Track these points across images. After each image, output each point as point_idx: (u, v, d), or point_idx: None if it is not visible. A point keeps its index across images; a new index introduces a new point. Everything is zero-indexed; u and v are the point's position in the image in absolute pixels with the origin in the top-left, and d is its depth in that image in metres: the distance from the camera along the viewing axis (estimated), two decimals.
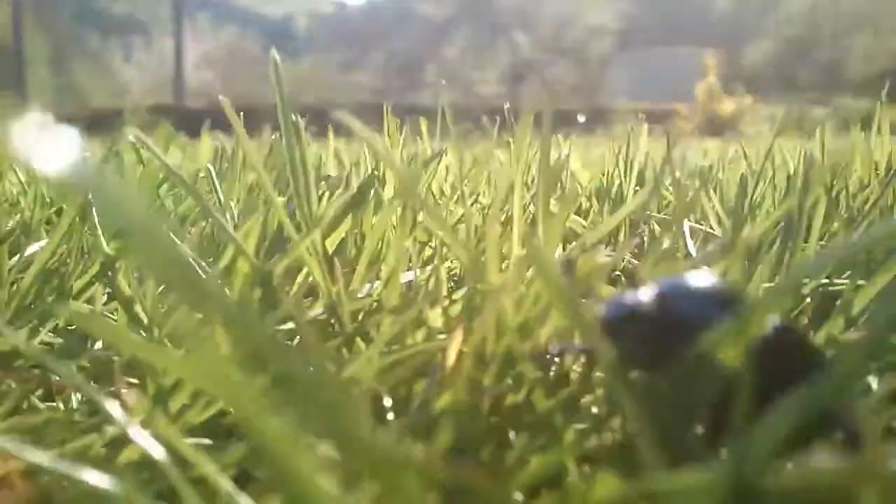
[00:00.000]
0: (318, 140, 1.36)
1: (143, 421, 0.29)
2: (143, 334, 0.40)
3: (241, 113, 0.48)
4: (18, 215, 0.64)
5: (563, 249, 0.53)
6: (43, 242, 0.51)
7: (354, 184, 0.62)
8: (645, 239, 0.57)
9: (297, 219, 0.45)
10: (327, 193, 0.58)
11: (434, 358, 0.33)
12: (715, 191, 0.72)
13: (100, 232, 0.45)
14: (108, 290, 0.48)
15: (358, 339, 0.39)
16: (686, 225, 0.46)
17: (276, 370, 0.17)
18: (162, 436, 0.26)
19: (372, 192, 0.52)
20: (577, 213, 0.77)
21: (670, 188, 0.79)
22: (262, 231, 0.49)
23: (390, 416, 0.32)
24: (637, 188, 0.85)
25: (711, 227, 0.57)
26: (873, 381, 0.33)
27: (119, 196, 0.15)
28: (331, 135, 1.18)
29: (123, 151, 0.81)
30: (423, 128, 1.02)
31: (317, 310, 0.41)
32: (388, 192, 0.62)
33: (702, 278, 0.26)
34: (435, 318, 0.38)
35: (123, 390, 0.33)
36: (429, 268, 0.45)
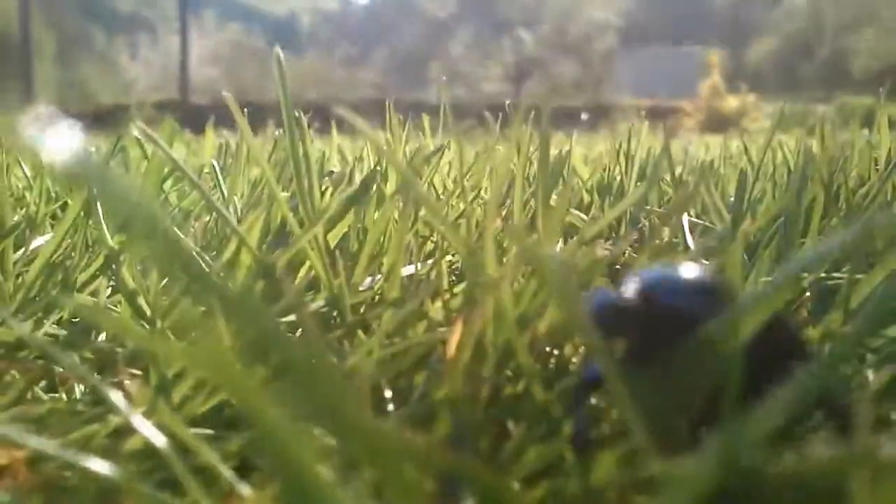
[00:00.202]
0: (321, 136, 1.37)
1: (145, 411, 0.29)
2: (147, 326, 0.41)
3: (245, 109, 0.49)
4: (24, 209, 0.64)
5: (564, 243, 0.53)
6: (48, 236, 0.51)
7: (357, 179, 0.62)
8: (645, 233, 0.57)
9: (300, 213, 0.45)
10: (330, 189, 0.59)
11: (434, 350, 0.33)
12: (716, 186, 0.72)
13: (104, 225, 0.46)
14: (111, 283, 0.48)
15: (359, 332, 0.39)
16: (685, 219, 0.46)
17: (278, 358, 0.17)
18: (164, 425, 0.27)
19: (374, 187, 0.52)
20: (579, 208, 0.77)
21: (671, 183, 0.79)
22: (266, 225, 0.50)
23: (390, 406, 0.32)
24: (638, 183, 0.85)
25: (712, 222, 0.57)
26: (870, 374, 0.33)
27: (123, 187, 0.16)
28: (334, 131, 1.18)
29: (128, 146, 0.82)
30: (426, 124, 1.02)
31: (318, 302, 0.41)
32: (390, 188, 0.63)
33: (689, 269, 0.26)
34: (436, 310, 0.38)
35: (126, 381, 0.33)
36: (430, 262, 0.45)
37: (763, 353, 0.23)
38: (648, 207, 0.68)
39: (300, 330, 0.38)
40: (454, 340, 0.31)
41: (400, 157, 0.65)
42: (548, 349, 0.33)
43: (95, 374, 0.37)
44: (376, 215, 0.50)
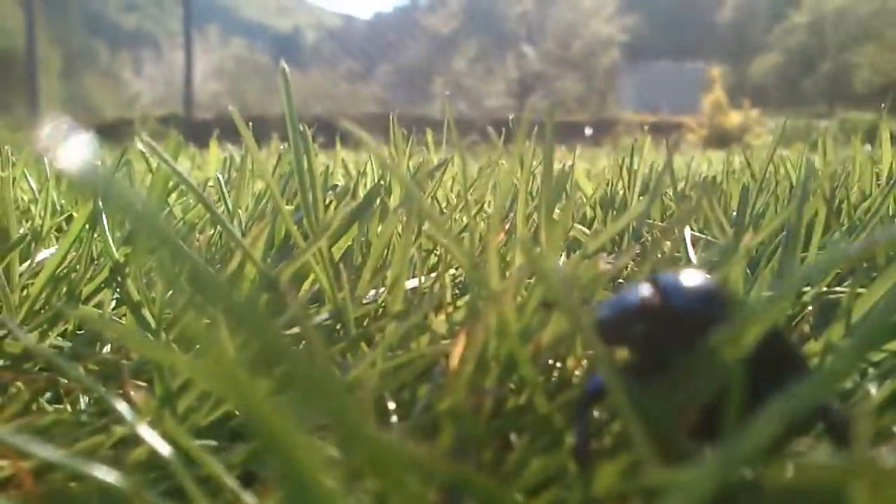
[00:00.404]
0: (325, 151, 1.37)
1: (151, 421, 0.29)
2: (151, 338, 0.41)
3: (249, 123, 0.49)
4: (29, 222, 0.65)
5: (567, 257, 0.54)
6: (53, 249, 0.52)
7: (361, 193, 0.62)
8: (647, 246, 0.57)
9: (305, 226, 0.46)
10: (334, 202, 0.59)
11: (437, 362, 0.33)
12: (718, 201, 0.72)
13: (109, 238, 0.46)
14: (116, 295, 0.48)
15: (363, 344, 0.39)
16: (688, 232, 0.46)
17: (283, 368, 0.18)
18: (169, 435, 0.27)
19: (378, 201, 0.52)
20: (582, 223, 0.78)
21: (674, 198, 0.80)
22: (270, 238, 0.50)
23: (394, 418, 0.32)
24: (641, 198, 0.85)
25: (714, 236, 0.58)
26: (872, 387, 0.33)
27: (133, 199, 0.16)
28: (338, 145, 1.19)
29: (133, 160, 0.82)
30: (430, 138, 1.02)
31: (322, 315, 0.42)
32: (393, 202, 0.63)
33: (694, 277, 0.26)
34: (439, 323, 0.38)
35: (132, 392, 0.34)
36: (433, 275, 0.46)
37: (761, 365, 0.23)
38: (651, 221, 0.68)
39: (304, 342, 0.38)
40: (457, 353, 0.31)
41: (404, 170, 0.66)
42: (550, 362, 0.33)
43: (100, 385, 0.37)
44: (380, 229, 0.50)
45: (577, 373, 0.33)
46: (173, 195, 0.76)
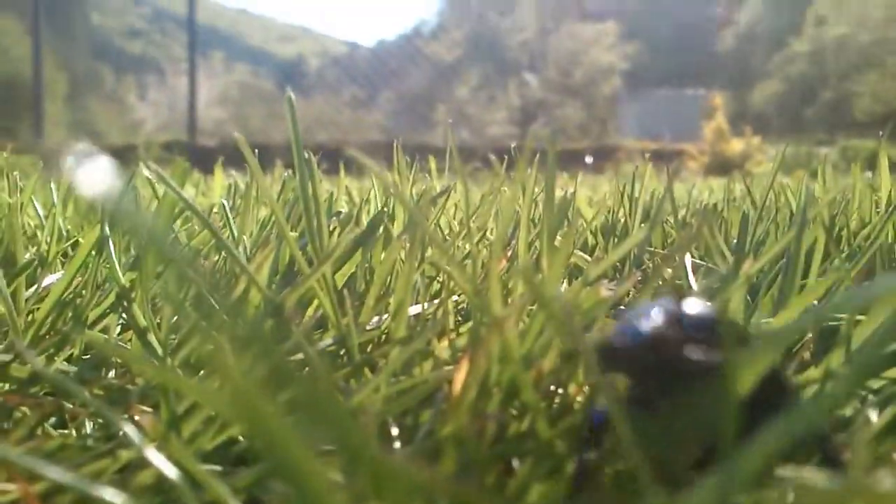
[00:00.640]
0: (329, 178, 1.38)
1: (157, 445, 0.29)
2: (157, 363, 0.41)
3: (256, 150, 0.50)
4: (36, 248, 0.65)
5: (569, 283, 0.54)
6: (59, 274, 0.52)
7: (364, 220, 0.63)
8: (648, 273, 0.57)
9: (309, 253, 0.46)
10: (338, 229, 0.60)
11: (440, 388, 0.34)
12: (719, 228, 0.72)
13: (115, 263, 0.46)
14: (121, 320, 0.49)
15: (366, 370, 0.39)
16: (688, 260, 0.47)
17: (289, 393, 0.18)
18: (175, 459, 0.27)
19: (381, 227, 0.53)
20: (583, 249, 0.78)
21: (675, 225, 0.80)
22: (274, 264, 0.51)
23: (397, 444, 0.32)
24: (642, 225, 0.85)
25: (714, 264, 0.58)
26: (873, 414, 0.33)
27: (151, 222, 0.16)
28: (342, 172, 1.20)
29: (138, 186, 0.83)
30: (433, 165, 1.03)
31: (327, 341, 0.42)
32: (397, 228, 0.63)
33: (701, 306, 0.26)
34: (442, 349, 0.39)
35: (137, 417, 0.34)
36: (436, 301, 0.46)
37: (757, 396, 0.23)
38: (652, 249, 0.68)
39: (308, 368, 0.38)
40: (460, 379, 0.31)
41: (407, 196, 0.66)
42: (552, 388, 0.33)
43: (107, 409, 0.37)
44: (383, 255, 0.50)
45: (578, 399, 0.33)
46: (178, 221, 0.76)
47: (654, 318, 0.27)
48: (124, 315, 0.46)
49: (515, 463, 0.30)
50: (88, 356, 0.46)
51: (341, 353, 0.42)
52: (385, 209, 0.59)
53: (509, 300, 0.43)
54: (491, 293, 0.35)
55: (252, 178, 0.62)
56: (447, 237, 0.71)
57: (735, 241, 0.62)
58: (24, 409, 0.38)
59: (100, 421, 0.37)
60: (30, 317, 0.50)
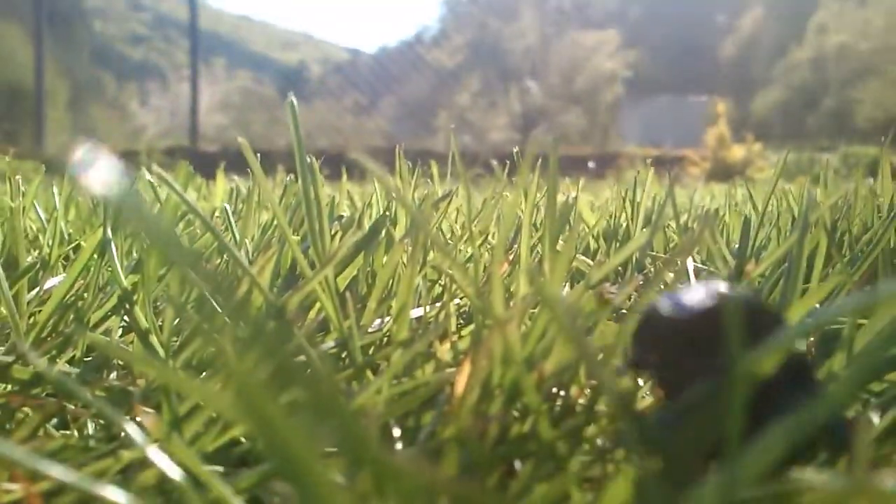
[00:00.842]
0: (331, 183, 1.38)
1: (159, 446, 0.29)
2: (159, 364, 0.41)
3: (258, 154, 0.50)
4: (38, 251, 0.65)
5: (571, 287, 0.54)
6: (61, 277, 0.52)
7: (366, 224, 0.63)
8: (650, 277, 0.57)
9: (311, 256, 0.46)
10: (340, 232, 0.60)
11: (442, 389, 0.34)
12: (721, 233, 0.72)
13: (118, 265, 0.46)
14: (123, 323, 0.49)
15: (368, 372, 0.39)
16: (690, 264, 0.47)
17: (292, 394, 0.18)
18: (177, 459, 0.27)
19: (383, 231, 0.53)
20: (585, 254, 0.78)
21: (677, 230, 0.80)
22: (277, 267, 0.51)
23: (399, 445, 0.32)
24: (644, 230, 0.86)
25: (716, 268, 0.58)
26: (875, 416, 0.33)
27: (150, 218, 0.16)
28: (344, 178, 1.20)
29: (140, 190, 0.83)
30: (435, 170, 1.03)
31: (329, 343, 0.42)
32: (399, 232, 0.64)
33: (745, 292, 0.27)
34: (444, 351, 0.39)
35: (139, 418, 0.34)
36: (438, 304, 0.46)
37: (777, 388, 0.23)
38: (653, 253, 0.68)
39: (310, 370, 0.38)
40: (462, 381, 0.31)
41: (409, 200, 0.66)
42: (554, 389, 0.33)
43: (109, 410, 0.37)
44: (385, 259, 0.50)
45: (580, 401, 0.33)
46: (180, 224, 0.76)
47: (705, 295, 0.27)
48: (126, 317, 0.46)
49: (518, 464, 0.30)
50: (90, 358, 0.46)
51: (343, 355, 0.42)
52: (387, 213, 0.60)
53: (511, 303, 0.43)
54: (493, 295, 0.35)
55: (254, 181, 0.62)
56: (449, 241, 0.71)
57: (737, 245, 0.62)
58: (26, 409, 0.38)
59: (102, 422, 0.37)
60: (32, 319, 0.50)
